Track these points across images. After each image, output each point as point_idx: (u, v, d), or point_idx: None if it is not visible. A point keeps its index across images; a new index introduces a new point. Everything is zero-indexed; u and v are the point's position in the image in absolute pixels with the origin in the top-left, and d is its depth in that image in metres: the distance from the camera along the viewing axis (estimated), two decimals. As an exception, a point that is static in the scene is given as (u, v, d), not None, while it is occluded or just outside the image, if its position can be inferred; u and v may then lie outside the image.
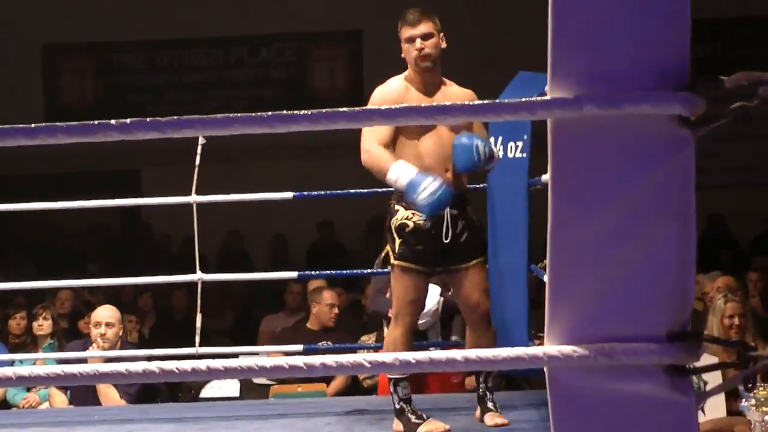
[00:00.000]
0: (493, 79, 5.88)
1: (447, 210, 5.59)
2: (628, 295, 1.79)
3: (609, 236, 1.77)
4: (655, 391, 1.78)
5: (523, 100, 1.98)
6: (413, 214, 5.55)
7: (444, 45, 5.71)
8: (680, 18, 1.75)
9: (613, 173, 1.75)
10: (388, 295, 6.46)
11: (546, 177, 4.87)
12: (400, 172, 5.48)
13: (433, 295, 6.42)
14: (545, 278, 5.33)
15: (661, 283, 1.78)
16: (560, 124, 1.77)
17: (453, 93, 5.69)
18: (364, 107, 1.90)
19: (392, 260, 5.69)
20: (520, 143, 5.41)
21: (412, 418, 5.40)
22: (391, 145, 5.69)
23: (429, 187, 5.33)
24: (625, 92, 1.74)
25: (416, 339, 5.53)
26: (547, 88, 1.96)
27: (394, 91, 5.66)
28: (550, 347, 1.77)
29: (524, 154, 5.43)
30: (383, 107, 1.89)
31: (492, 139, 5.58)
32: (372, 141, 5.59)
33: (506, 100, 1.98)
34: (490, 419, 5.50)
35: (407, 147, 5.59)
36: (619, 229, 1.76)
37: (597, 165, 1.75)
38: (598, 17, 1.71)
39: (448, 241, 5.62)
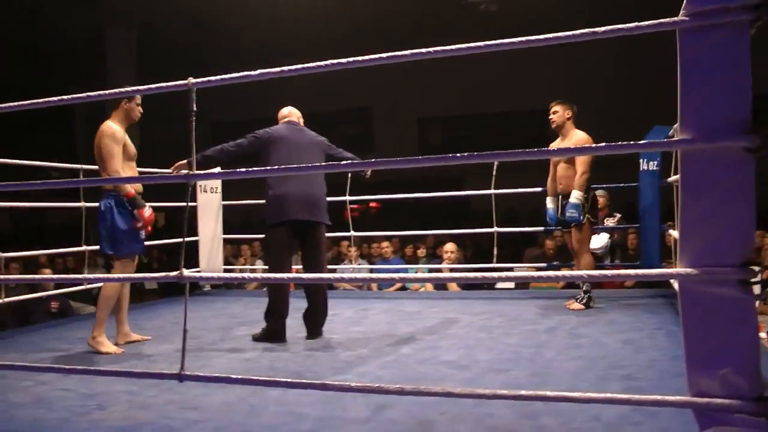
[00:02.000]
0: (646, 126, 5.60)
1: (559, 202, 6.22)
2: (720, 241, 2.35)
3: (710, 210, 2.17)
4: (732, 293, 2.24)
5: (665, 140, 1.83)
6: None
7: (569, 114, 5.97)
8: (747, 91, 2.09)
9: (711, 178, 2.06)
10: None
11: (670, 179, 4.39)
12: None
13: (604, 237, 5.90)
14: (670, 232, 4.79)
15: (736, 235, 2.28)
16: (685, 152, 1.74)
17: (572, 137, 5.90)
18: (540, 149, 2.39)
19: None
20: (655, 161, 5.36)
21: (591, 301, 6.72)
22: (554, 171, 6.52)
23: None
24: (718, 134, 2.22)
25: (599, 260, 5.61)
26: (674, 131, 1.78)
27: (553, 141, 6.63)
28: (681, 269, 2.22)
29: (657, 168, 5.25)
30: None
31: (642, 160, 5.09)
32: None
33: (655, 140, 1.82)
34: (572, 305, 6.25)
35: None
36: (715, 206, 2.14)
37: (703, 174, 2.06)
38: (705, 92, 2.27)
39: (559, 215, 6.34)
